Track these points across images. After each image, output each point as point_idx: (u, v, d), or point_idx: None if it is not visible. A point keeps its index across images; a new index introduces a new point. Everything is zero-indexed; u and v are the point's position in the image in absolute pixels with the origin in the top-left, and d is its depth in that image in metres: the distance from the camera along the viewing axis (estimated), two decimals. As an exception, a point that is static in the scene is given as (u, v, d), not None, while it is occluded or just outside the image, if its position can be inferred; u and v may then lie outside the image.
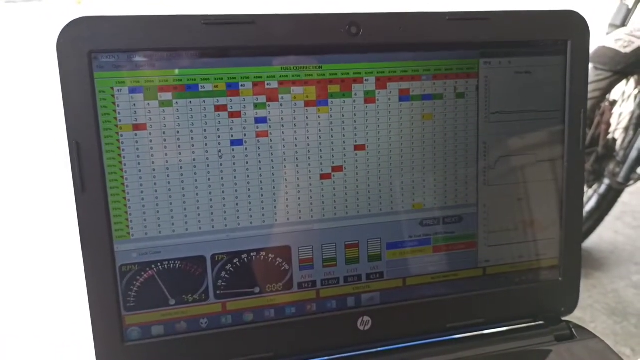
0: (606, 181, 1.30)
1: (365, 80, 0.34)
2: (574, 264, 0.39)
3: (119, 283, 0.32)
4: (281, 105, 0.33)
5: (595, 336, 0.37)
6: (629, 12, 1.27)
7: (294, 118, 0.33)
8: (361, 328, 0.36)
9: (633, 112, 1.29)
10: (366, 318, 0.36)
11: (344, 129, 0.34)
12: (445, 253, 0.37)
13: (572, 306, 0.39)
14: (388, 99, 0.35)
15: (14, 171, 2.04)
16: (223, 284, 0.34)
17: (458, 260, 0.37)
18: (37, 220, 1.63)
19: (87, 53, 0.30)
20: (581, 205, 0.39)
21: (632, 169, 1.26)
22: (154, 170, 0.32)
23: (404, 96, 0.35)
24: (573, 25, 0.37)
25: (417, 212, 0.36)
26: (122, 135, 0.31)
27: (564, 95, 0.37)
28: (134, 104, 0.31)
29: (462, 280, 0.37)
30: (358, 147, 0.34)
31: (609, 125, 1.26)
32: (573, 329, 0.38)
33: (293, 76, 0.33)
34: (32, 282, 1.30)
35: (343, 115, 0.34)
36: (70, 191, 0.31)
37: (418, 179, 0.36)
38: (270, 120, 0.33)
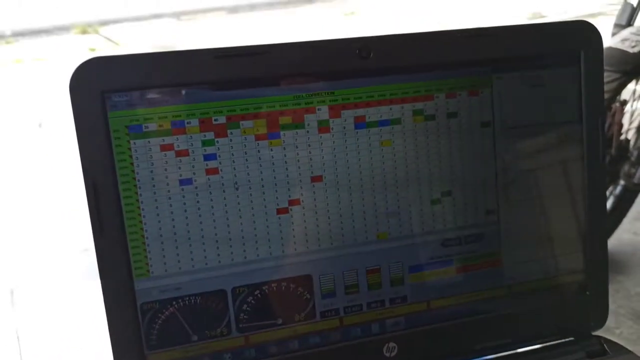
0: (621, 182, 1.28)
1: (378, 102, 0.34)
2: (601, 276, 0.38)
3: (141, 321, 0.32)
4: (296, 133, 0.33)
5: (629, 351, 0.36)
6: (634, 11, 1.26)
7: (321, 144, 0.33)
8: (387, 355, 0.35)
9: (645, 111, 1.28)
10: (392, 344, 0.35)
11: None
12: (469, 273, 0.36)
13: (601, 320, 0.38)
14: (403, 120, 0.34)
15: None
16: (245, 316, 0.33)
17: (482, 279, 0.36)
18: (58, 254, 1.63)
19: (99, 93, 0.30)
20: (605, 216, 0.38)
21: (647, 169, 1.24)
22: (171, 206, 0.32)
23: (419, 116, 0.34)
24: (584, 35, 0.36)
25: (438, 233, 0.35)
26: (138, 173, 0.31)
27: (580, 106, 0.37)
28: (149, 141, 0.31)
29: (488, 299, 0.37)
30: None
31: (621, 125, 1.25)
32: (605, 344, 0.37)
33: (306, 103, 0.33)
34: (55, 316, 1.30)
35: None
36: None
37: (437, 199, 0.35)
38: (285, 148, 0.33)
